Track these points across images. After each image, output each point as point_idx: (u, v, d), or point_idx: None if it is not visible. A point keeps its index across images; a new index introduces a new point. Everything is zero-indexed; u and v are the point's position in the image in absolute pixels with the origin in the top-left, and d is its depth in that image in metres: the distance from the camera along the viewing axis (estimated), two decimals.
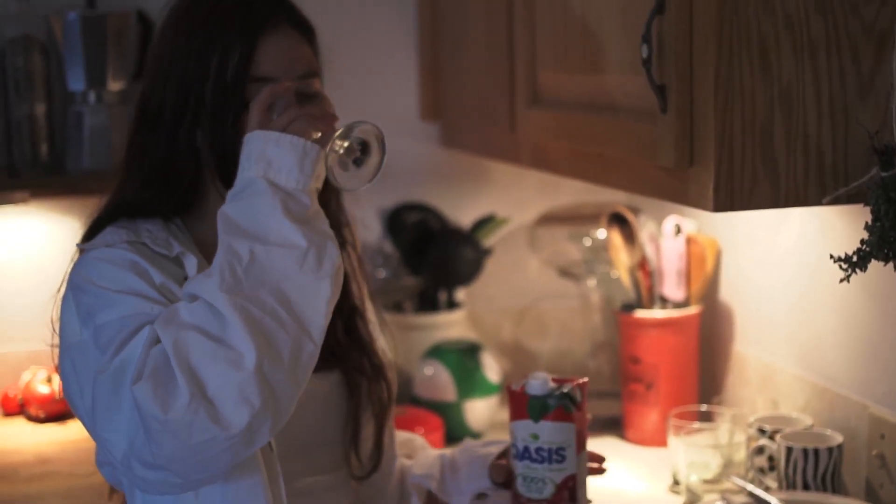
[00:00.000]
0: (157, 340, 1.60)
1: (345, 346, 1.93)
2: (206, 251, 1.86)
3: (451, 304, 3.08)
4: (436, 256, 3.04)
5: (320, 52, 1.88)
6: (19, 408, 2.97)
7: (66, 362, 1.74)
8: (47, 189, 2.93)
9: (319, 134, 1.69)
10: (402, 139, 3.17)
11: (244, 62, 1.77)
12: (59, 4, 2.95)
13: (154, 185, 1.84)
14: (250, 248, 1.59)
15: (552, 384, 1.94)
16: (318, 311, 1.58)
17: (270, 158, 1.64)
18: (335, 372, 1.94)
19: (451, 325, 3.03)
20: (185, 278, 1.76)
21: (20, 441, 2.79)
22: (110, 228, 1.84)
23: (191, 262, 1.77)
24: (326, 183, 1.75)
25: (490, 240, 3.15)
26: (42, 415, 2.89)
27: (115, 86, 2.91)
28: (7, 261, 3.02)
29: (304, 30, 1.83)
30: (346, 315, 1.95)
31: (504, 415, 2.33)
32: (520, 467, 1.94)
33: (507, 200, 3.21)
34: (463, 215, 3.17)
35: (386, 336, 2.02)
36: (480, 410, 2.84)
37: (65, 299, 1.79)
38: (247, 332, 1.53)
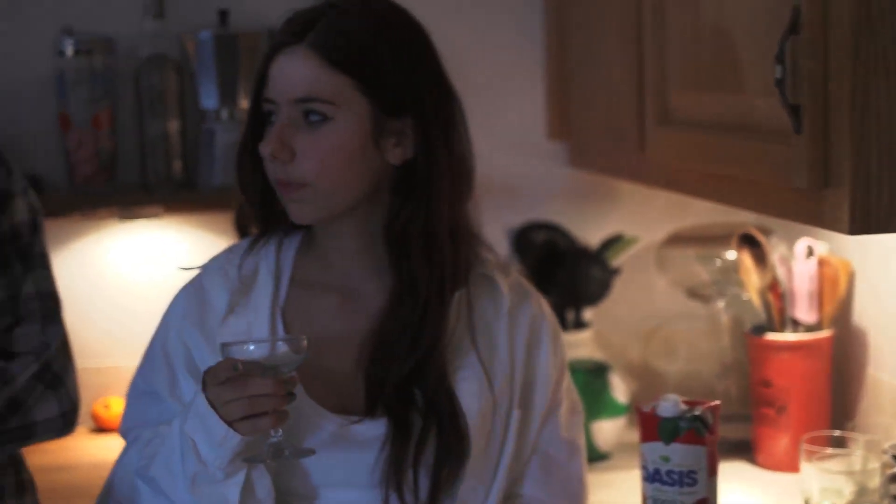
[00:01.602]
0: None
1: (402, 392, 1.80)
2: (301, 280, 1.87)
3: (579, 324, 3.06)
4: (563, 276, 3.02)
5: (379, 82, 1.78)
6: None
7: None
8: (180, 204, 2.98)
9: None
10: (529, 159, 3.16)
11: (259, 82, 1.79)
12: (192, 24, 3.00)
13: (254, 202, 1.88)
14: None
15: (683, 406, 1.91)
16: None
17: (198, 430, 1.70)
18: (382, 420, 1.81)
19: (578, 345, 3.01)
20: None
21: None
22: (233, 245, 1.91)
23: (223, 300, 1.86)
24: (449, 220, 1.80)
25: (618, 260, 3.13)
26: None
27: (246, 103, 2.95)
28: (140, 274, 3.07)
29: (327, 54, 1.75)
30: (419, 359, 1.81)
31: (631, 436, 2.31)
32: (650, 490, 1.92)
33: (636, 220, 3.19)
34: (591, 235, 3.15)
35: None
36: (608, 431, 2.82)
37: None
38: None
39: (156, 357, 1.87)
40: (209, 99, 2.95)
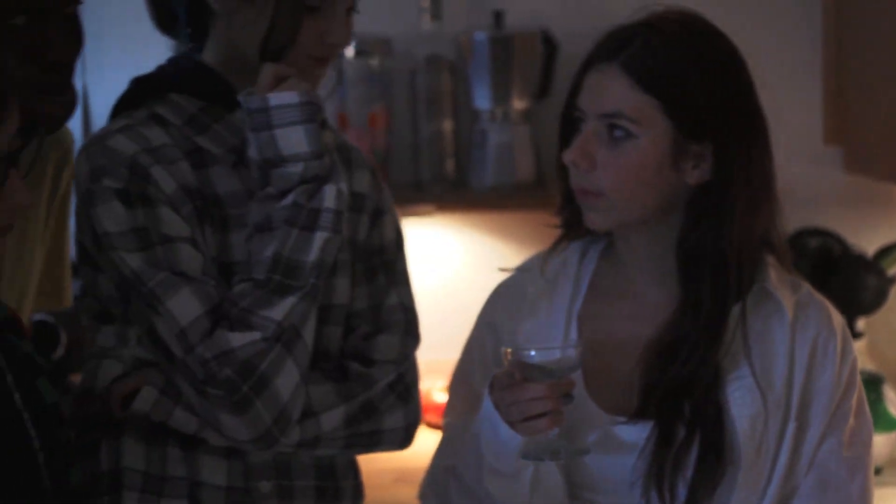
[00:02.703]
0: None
1: (672, 399, 1.82)
2: (599, 286, 1.91)
3: (852, 334, 2.99)
4: (837, 283, 2.96)
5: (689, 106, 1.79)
6: None
7: None
8: (452, 203, 3.03)
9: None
10: (804, 163, 3.11)
11: (572, 91, 1.84)
12: (467, 24, 3.05)
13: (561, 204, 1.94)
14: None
15: None
16: None
17: (486, 431, 1.79)
18: (649, 424, 1.83)
19: None
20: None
21: (421, 447, 2.87)
22: (545, 249, 1.95)
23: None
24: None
25: (895, 268, 3.05)
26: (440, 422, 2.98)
27: (519, 105, 2.98)
28: (412, 271, 3.13)
29: (637, 75, 1.79)
30: (693, 368, 1.83)
31: None
32: None
33: None
34: (866, 242, 3.08)
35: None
36: (881, 446, 2.75)
37: None
38: None
39: (471, 351, 1.97)
40: (483, 99, 2.99)
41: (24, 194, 1.40)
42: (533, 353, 1.75)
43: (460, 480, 1.88)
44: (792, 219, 3.05)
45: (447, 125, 3.05)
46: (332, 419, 1.83)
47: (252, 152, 1.77)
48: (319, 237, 1.76)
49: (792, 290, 1.90)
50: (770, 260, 1.89)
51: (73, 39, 1.66)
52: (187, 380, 1.75)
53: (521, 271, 1.96)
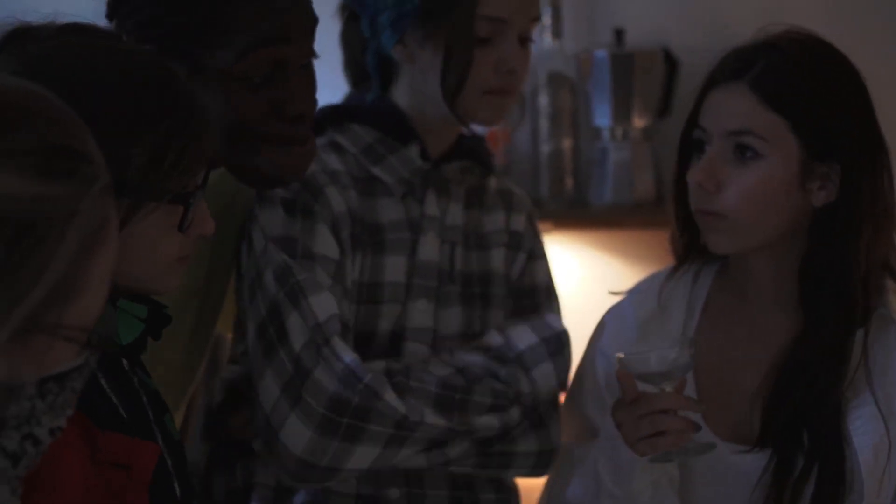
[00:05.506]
0: None
1: (791, 427, 1.80)
2: (713, 310, 1.88)
3: None
4: None
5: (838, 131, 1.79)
6: None
7: None
8: (570, 221, 3.02)
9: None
10: None
11: (693, 110, 1.83)
12: (588, 42, 3.04)
13: (678, 228, 1.91)
14: None
15: None
16: None
17: (604, 453, 1.79)
18: (766, 452, 1.81)
19: None
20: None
21: None
22: (657, 271, 1.94)
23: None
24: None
25: None
26: None
27: (639, 122, 2.97)
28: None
29: (765, 94, 1.78)
30: (815, 396, 1.80)
31: None
32: None
33: None
34: None
35: None
36: None
37: None
38: None
39: (582, 378, 1.95)
40: (603, 117, 2.99)
41: (208, 224, 1.43)
42: (647, 355, 1.73)
43: None
44: None
45: (567, 143, 3.04)
46: (459, 447, 1.87)
47: None
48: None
49: None
50: (891, 286, 1.85)
51: (310, 90, 1.73)
52: (280, 376, 1.79)
53: (632, 294, 1.93)
